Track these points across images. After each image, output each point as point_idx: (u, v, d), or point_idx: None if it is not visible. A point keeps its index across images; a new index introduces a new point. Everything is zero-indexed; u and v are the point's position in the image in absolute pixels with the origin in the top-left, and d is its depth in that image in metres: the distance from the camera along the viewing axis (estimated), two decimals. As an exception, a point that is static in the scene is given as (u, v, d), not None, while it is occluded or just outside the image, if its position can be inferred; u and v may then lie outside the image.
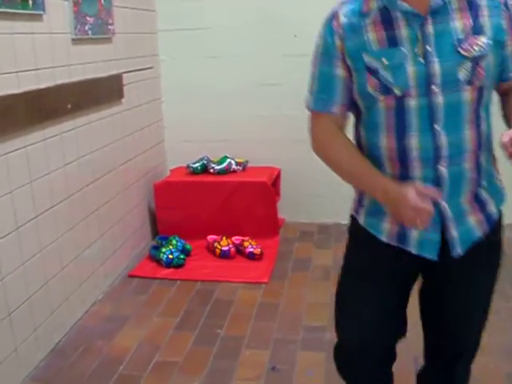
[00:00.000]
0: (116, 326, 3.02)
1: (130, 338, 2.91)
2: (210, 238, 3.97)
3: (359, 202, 1.70)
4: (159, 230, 4.10)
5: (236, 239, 3.91)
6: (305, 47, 4.28)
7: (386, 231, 1.62)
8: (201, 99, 4.32)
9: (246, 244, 3.81)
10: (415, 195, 1.45)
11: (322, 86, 1.61)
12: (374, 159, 1.58)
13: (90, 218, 3.18)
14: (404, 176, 1.54)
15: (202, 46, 4.23)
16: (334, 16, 1.56)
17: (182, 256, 3.67)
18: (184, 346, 2.84)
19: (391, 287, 1.70)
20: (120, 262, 3.61)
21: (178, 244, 3.82)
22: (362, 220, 1.69)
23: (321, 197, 4.37)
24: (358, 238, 1.74)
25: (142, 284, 3.49)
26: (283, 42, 4.15)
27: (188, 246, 3.84)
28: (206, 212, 4.03)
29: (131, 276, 3.59)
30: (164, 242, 3.88)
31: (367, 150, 1.61)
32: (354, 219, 1.73)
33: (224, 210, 4.01)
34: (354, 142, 1.67)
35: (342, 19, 1.54)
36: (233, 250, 3.79)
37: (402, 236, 1.60)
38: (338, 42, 1.54)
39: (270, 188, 3.95)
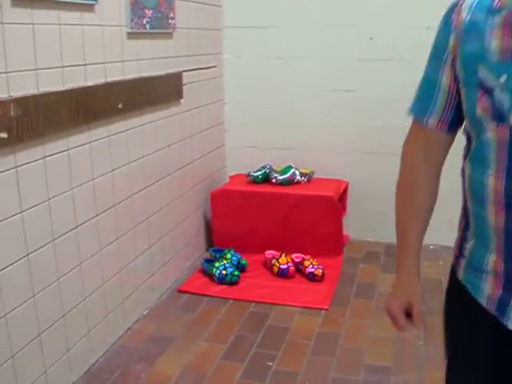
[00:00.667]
0: (159, 348, 2.75)
1: (172, 364, 2.64)
2: (269, 253, 3.66)
3: (460, 250, 1.34)
4: (214, 241, 3.82)
5: (296, 257, 3.60)
6: (381, 51, 3.99)
7: (485, 293, 1.23)
8: (266, 102, 4.02)
9: (306, 263, 3.48)
10: (400, 304, 1.40)
11: (424, 91, 1.31)
12: (477, 199, 1.22)
13: (138, 227, 2.93)
14: (510, 229, 1.15)
15: (270, 45, 3.93)
16: (454, 7, 1.20)
17: (236, 272, 3.38)
18: (231, 378, 2.54)
19: (489, 371, 1.30)
20: (169, 275, 3.35)
21: (233, 258, 3.53)
22: (461, 274, 1.32)
23: (389, 215, 3.98)
24: (456, 296, 1.36)
25: (191, 301, 3.22)
26: (358, 45, 3.80)
27: (244, 261, 3.55)
28: (265, 225, 3.72)
29: (180, 291, 3.32)
30: (218, 256, 3.60)
31: (470, 185, 1.25)
32: (453, 270, 1.37)
33: (285, 225, 3.70)
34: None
35: (464, 14, 1.17)
36: (292, 268, 3.48)
37: (505, 303, 1.20)
38: (452, 43, 1.19)
39: (336, 203, 3.62)
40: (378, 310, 3.13)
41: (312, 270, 3.44)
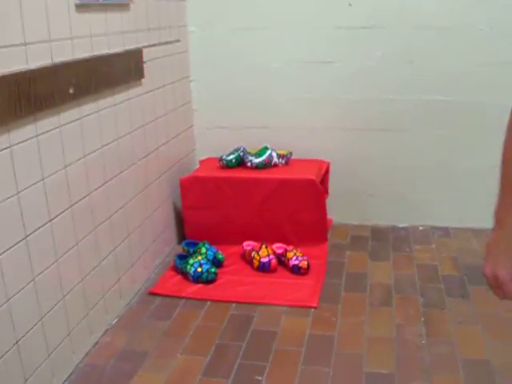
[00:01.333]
0: (131, 365, 2.41)
1: (147, 384, 2.32)
2: (247, 244, 3.34)
3: None
4: (186, 234, 3.48)
5: (278, 247, 3.28)
6: (361, 18, 3.63)
7: None
8: (237, 78, 3.66)
9: (289, 255, 3.17)
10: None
11: None
12: None
13: (99, 228, 2.57)
14: None
15: (239, 15, 3.55)
16: None
17: (212, 269, 3.05)
18: (215, 398, 2.24)
19: None
20: (138, 276, 3.01)
21: (209, 252, 3.20)
22: None
23: (374, 195, 3.71)
24: None
25: (165, 305, 2.88)
26: (336, 11, 3.45)
27: (220, 256, 3.22)
28: (241, 214, 3.39)
29: (152, 294, 2.98)
30: (192, 250, 3.27)
31: None
32: None
33: (263, 212, 3.37)
34: None
35: None
36: (274, 261, 3.16)
37: None
38: None
39: (318, 187, 3.29)
40: (373, 305, 2.83)
41: (296, 262, 3.12)
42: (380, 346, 2.51)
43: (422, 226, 3.70)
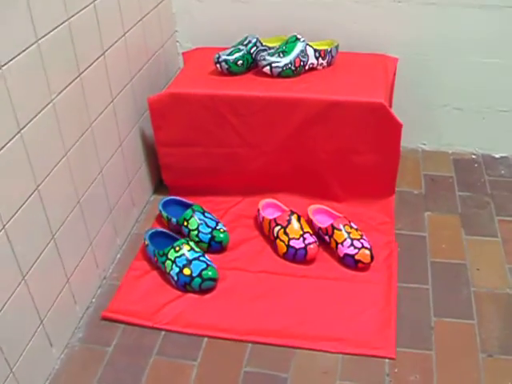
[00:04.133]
0: None
1: None
2: (265, 205, 2.05)
3: None
4: (165, 182, 2.17)
5: (316, 212, 2.01)
6: None
7: None
8: None
9: (339, 236, 1.87)
10: None
11: None
12: None
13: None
14: None
15: None
16: None
17: (210, 272, 1.76)
18: None
19: None
20: (84, 287, 1.74)
21: (202, 228, 1.92)
22: None
23: (461, 109, 2.34)
24: None
25: (128, 349, 1.64)
26: None
27: (222, 235, 1.92)
28: (255, 155, 2.05)
29: (105, 319, 1.73)
30: (174, 220, 1.98)
31: None
32: None
33: (292, 153, 2.03)
34: None
35: None
36: (313, 248, 1.87)
37: None
38: None
39: (390, 115, 1.91)
40: (490, 352, 1.60)
41: (351, 250, 1.84)
42: None
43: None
